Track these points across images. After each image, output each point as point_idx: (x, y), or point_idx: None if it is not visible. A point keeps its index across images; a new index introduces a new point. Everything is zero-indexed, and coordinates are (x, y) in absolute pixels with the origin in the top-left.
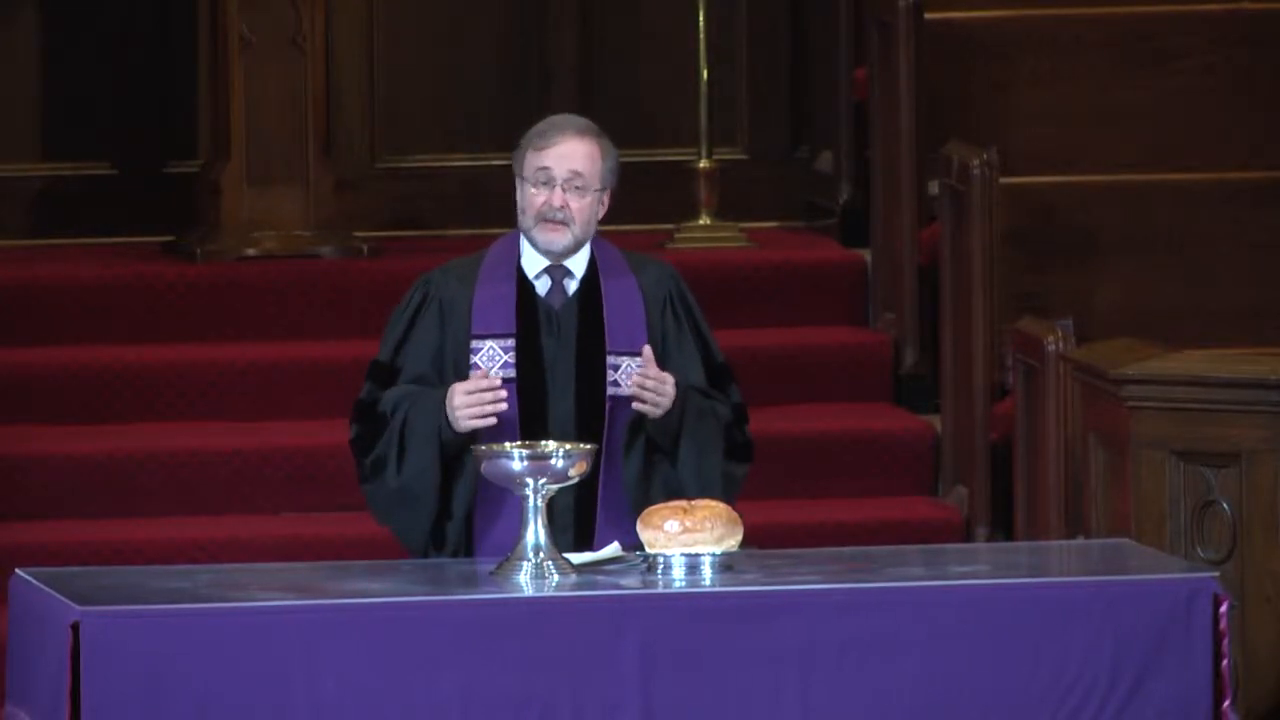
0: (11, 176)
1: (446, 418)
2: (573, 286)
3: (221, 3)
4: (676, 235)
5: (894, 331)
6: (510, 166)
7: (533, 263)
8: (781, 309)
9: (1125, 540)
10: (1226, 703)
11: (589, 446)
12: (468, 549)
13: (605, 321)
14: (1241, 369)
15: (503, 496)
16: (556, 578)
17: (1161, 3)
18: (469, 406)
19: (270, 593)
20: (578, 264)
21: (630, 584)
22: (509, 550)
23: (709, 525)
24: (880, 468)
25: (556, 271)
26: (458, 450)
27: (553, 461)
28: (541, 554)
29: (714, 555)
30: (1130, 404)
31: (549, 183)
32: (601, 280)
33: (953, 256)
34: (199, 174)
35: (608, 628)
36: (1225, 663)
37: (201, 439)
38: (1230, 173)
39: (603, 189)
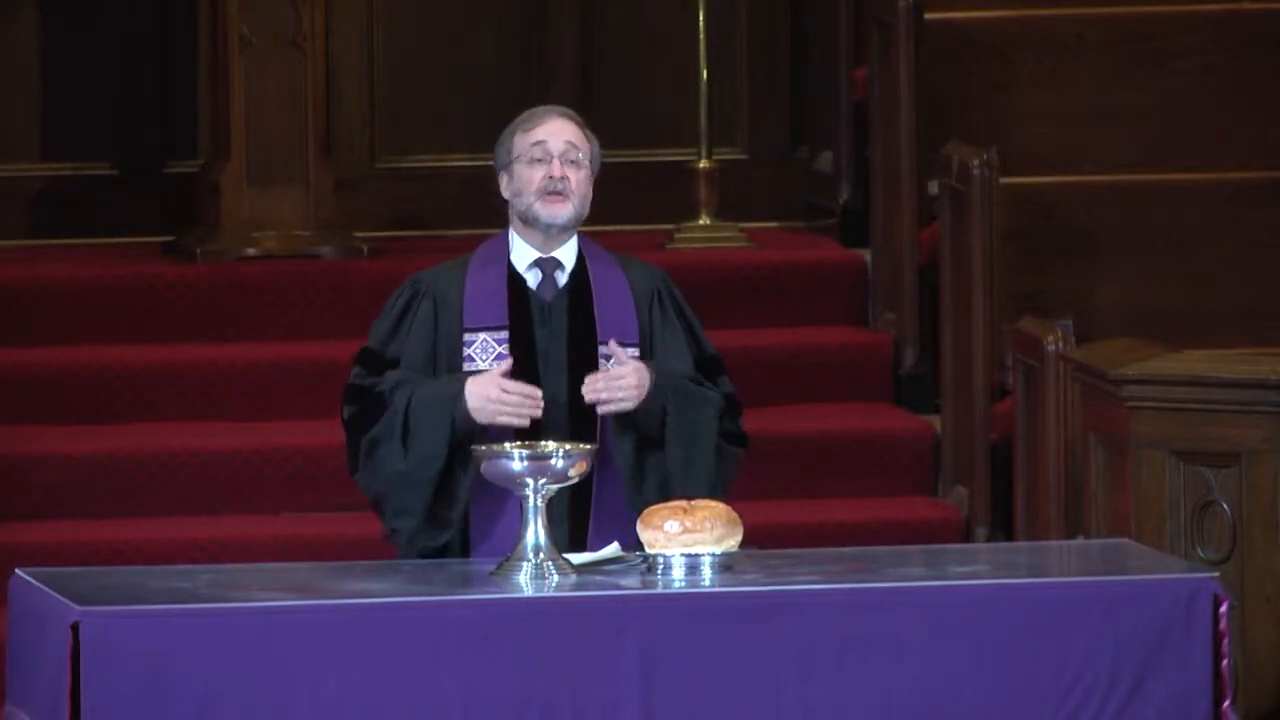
0: (11, 176)
1: (462, 407)
2: (563, 278)
3: (221, 3)
4: (676, 235)
5: (894, 331)
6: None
7: (522, 256)
8: (781, 309)
9: (1125, 540)
10: (1226, 703)
11: (588, 446)
12: (463, 540)
13: (596, 312)
14: (1241, 369)
15: (502, 496)
16: (556, 578)
17: (1161, 3)
18: (505, 404)
19: (270, 593)
20: (567, 256)
21: (630, 584)
22: (508, 550)
23: (709, 525)
24: (880, 468)
25: (547, 264)
26: (466, 439)
27: (553, 462)
28: (541, 554)
29: (714, 555)
30: (1130, 404)
31: (545, 157)
32: (590, 272)
33: (953, 256)
34: (199, 174)
35: (608, 628)
36: (1225, 663)
37: (201, 439)
38: (1230, 173)
39: (593, 169)
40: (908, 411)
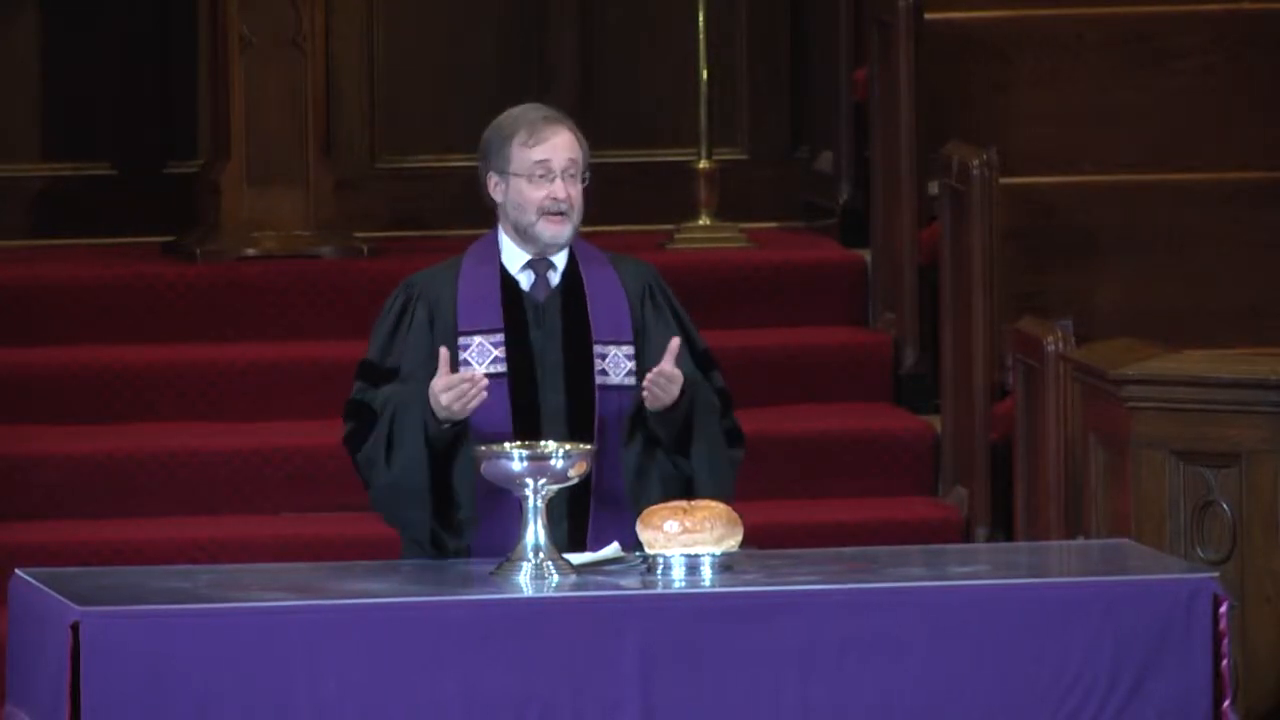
0: (11, 176)
1: (431, 411)
2: (555, 278)
3: (221, 3)
4: (676, 235)
5: (894, 331)
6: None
7: (514, 258)
8: (781, 309)
9: (1125, 540)
10: (1226, 703)
11: (588, 447)
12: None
13: (590, 312)
14: (1241, 369)
15: (501, 496)
16: (556, 578)
17: (1161, 3)
18: (455, 399)
19: (270, 593)
20: (559, 256)
21: (630, 584)
22: (508, 550)
23: (709, 525)
24: (880, 468)
25: (539, 265)
26: (450, 441)
27: (553, 462)
28: (541, 554)
29: (714, 555)
30: (1130, 404)
31: (548, 175)
32: (583, 272)
33: (953, 256)
34: (199, 174)
35: (608, 628)
36: (1225, 663)
37: (201, 439)
38: (1230, 173)
39: (587, 176)
40: (908, 411)
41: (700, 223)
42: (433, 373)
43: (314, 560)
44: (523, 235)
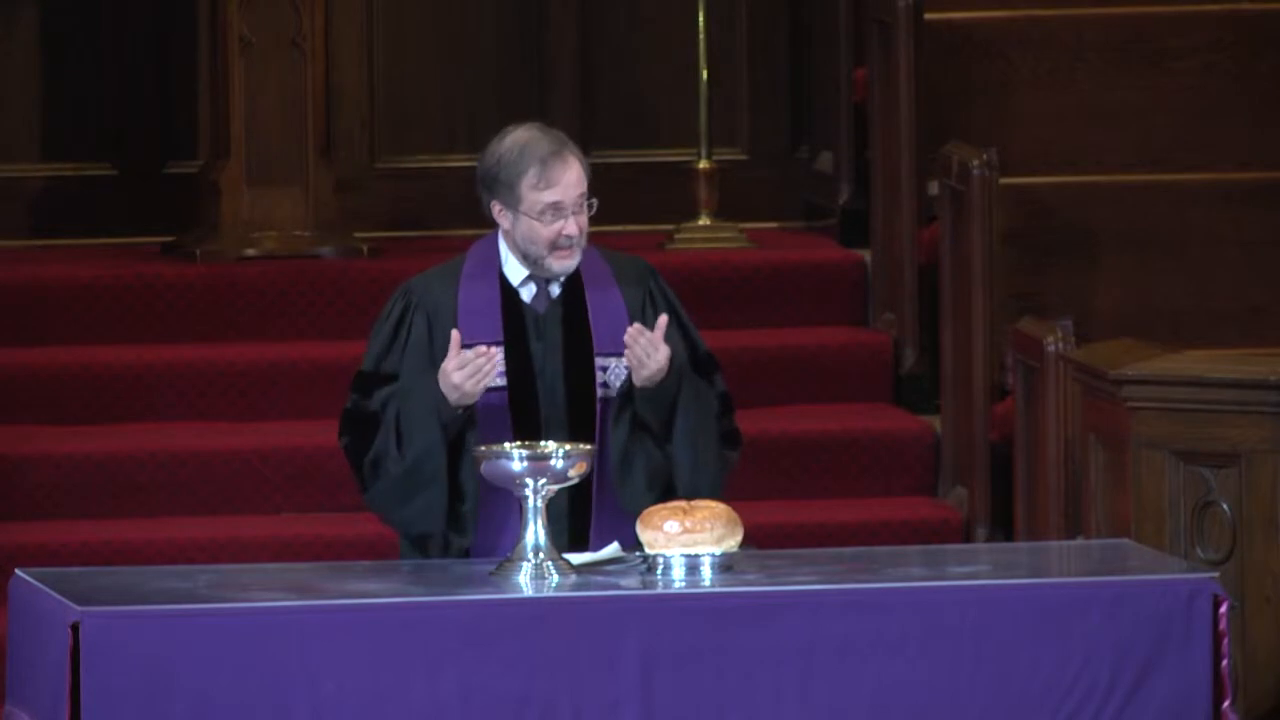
0: (11, 176)
1: (440, 398)
2: (556, 289)
3: (221, 3)
4: (676, 235)
5: (894, 331)
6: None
7: (515, 270)
8: (781, 309)
9: (1125, 540)
10: (1226, 703)
11: (588, 447)
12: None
13: (590, 323)
14: (1241, 369)
15: (501, 497)
16: (556, 578)
17: (1161, 3)
18: (468, 378)
19: (270, 593)
20: None
21: (630, 584)
22: (508, 550)
23: (709, 526)
24: (880, 468)
25: (540, 277)
26: (458, 430)
27: (552, 462)
28: (541, 554)
29: (714, 555)
30: (1130, 404)
31: (560, 214)
32: (584, 283)
33: (952, 256)
34: (199, 174)
35: (608, 628)
36: (1225, 663)
37: (201, 439)
38: (1230, 173)
39: (593, 203)
40: (908, 412)
41: (700, 223)
42: (431, 383)
43: (314, 560)
44: (530, 262)
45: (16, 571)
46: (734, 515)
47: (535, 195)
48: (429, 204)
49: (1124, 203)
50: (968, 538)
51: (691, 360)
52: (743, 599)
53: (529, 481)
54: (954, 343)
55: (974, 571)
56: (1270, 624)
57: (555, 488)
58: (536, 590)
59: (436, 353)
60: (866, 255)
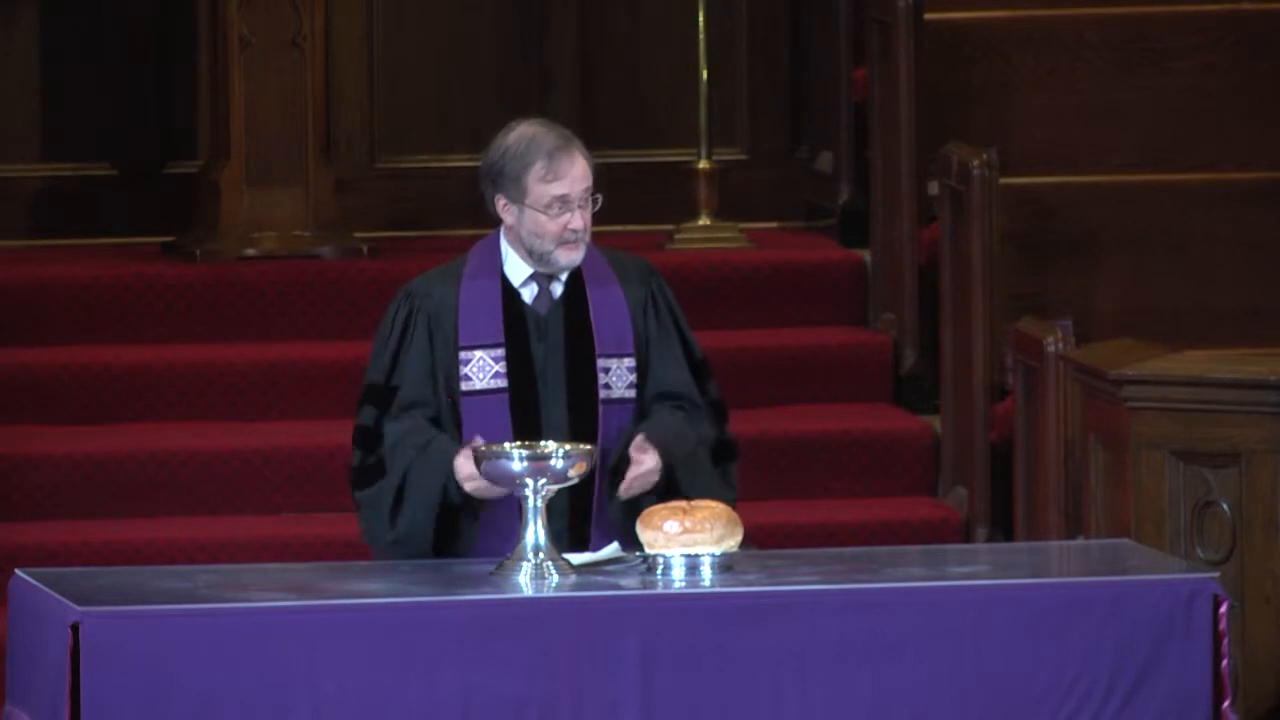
0: (11, 176)
1: (452, 478)
2: (558, 290)
3: (221, 3)
4: (676, 235)
5: (894, 331)
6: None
7: (517, 270)
8: (781, 309)
9: (1125, 540)
10: (1226, 703)
11: (588, 447)
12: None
13: (593, 325)
14: (1241, 369)
15: (501, 497)
16: (556, 578)
17: (1161, 3)
18: (479, 491)
19: (270, 593)
20: None
21: (630, 584)
22: (508, 550)
23: (709, 526)
24: (880, 468)
25: (542, 278)
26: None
27: (553, 462)
28: (541, 554)
29: (714, 555)
30: (1130, 404)
31: (566, 207)
32: (586, 284)
33: (952, 256)
34: (199, 174)
35: (608, 628)
36: (1225, 663)
37: (201, 439)
38: (1230, 173)
39: (598, 198)
40: (908, 412)
41: (700, 223)
42: (433, 392)
43: (314, 560)
44: (535, 257)
45: (16, 571)
46: (734, 515)
47: (542, 188)
48: (429, 204)
49: (1124, 203)
50: (968, 538)
51: (686, 365)
52: (743, 599)
53: (529, 481)
54: (954, 343)
55: (974, 571)
56: (1270, 624)
57: (555, 488)
58: (536, 590)
59: (437, 359)
60: (866, 255)
